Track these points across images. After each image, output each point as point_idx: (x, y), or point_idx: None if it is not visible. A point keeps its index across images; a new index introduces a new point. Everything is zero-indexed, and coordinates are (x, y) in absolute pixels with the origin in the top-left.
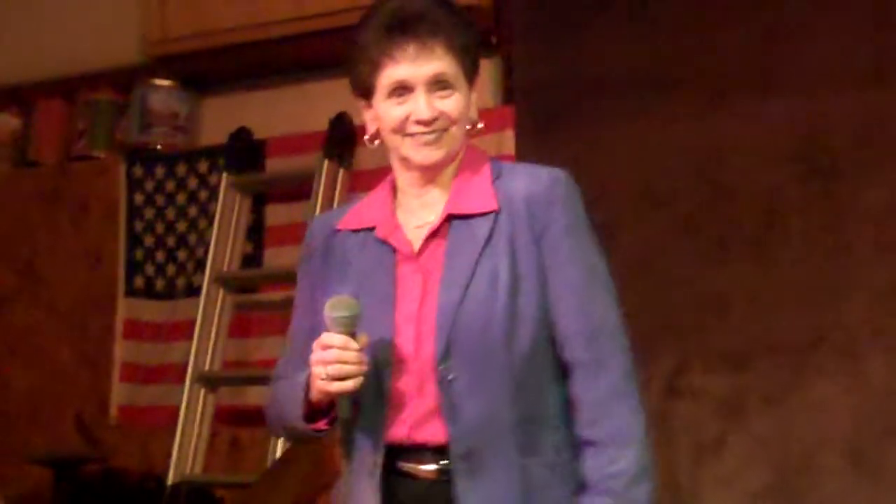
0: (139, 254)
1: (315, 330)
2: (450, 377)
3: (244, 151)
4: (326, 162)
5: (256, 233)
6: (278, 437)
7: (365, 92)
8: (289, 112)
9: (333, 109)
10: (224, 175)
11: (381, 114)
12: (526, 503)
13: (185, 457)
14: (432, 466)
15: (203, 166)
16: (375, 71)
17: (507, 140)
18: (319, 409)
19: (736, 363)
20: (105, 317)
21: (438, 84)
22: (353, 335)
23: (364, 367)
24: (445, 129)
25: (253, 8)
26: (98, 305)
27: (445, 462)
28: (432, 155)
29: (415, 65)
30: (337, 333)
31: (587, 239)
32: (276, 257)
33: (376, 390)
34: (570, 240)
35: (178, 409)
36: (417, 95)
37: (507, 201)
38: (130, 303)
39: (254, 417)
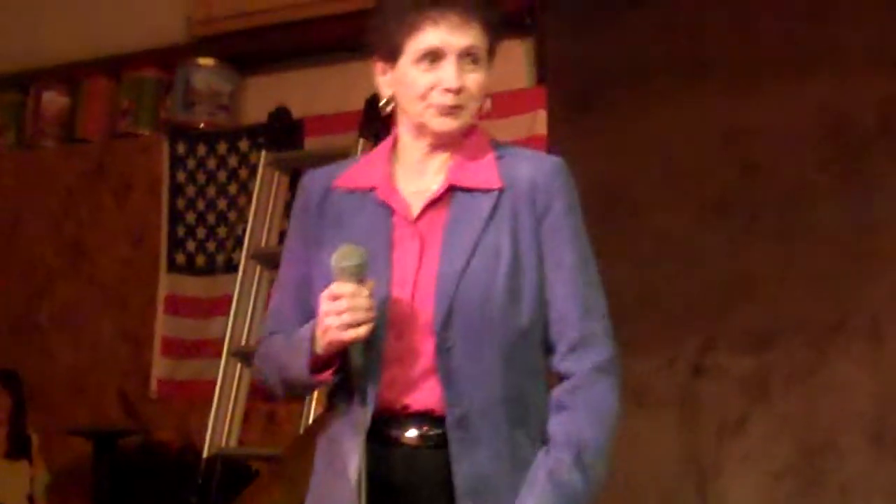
0: (181, 230)
1: (305, 282)
2: (448, 345)
3: (283, 130)
4: (362, 141)
5: None
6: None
7: (390, 53)
8: (327, 92)
9: (370, 90)
10: (263, 153)
11: (408, 79)
12: (513, 473)
13: (220, 430)
14: (415, 433)
15: (244, 145)
16: (410, 33)
17: (540, 120)
18: (324, 361)
19: (761, 343)
20: (146, 292)
21: (469, 56)
22: (360, 282)
23: (374, 313)
24: (465, 104)
25: None
26: (140, 281)
27: (427, 429)
28: (449, 123)
29: (454, 34)
30: (346, 282)
31: (581, 226)
32: None
33: (370, 349)
34: (568, 226)
35: (216, 383)
36: (447, 64)
37: (511, 182)
38: (172, 278)
39: None
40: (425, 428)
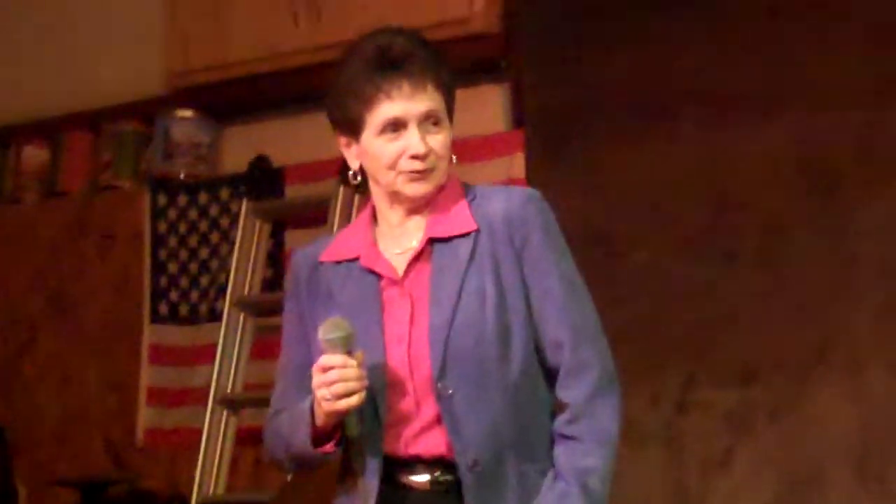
0: (163, 281)
1: (308, 361)
2: (449, 392)
3: (263, 179)
4: (342, 188)
5: (276, 257)
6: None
7: (351, 128)
8: (306, 140)
9: None
10: (244, 202)
11: (374, 150)
12: None
13: (208, 477)
14: (426, 477)
15: (224, 194)
16: (367, 107)
17: (518, 163)
18: (325, 433)
19: (743, 377)
20: (131, 342)
21: (430, 120)
22: (349, 353)
23: (365, 382)
24: (434, 166)
25: (270, 40)
26: (124, 331)
27: (439, 474)
28: (421, 188)
29: (410, 102)
30: (334, 354)
31: (563, 251)
32: None
33: (372, 413)
34: (549, 253)
35: (202, 431)
36: (410, 131)
37: (486, 221)
38: (155, 328)
39: None
40: (437, 473)
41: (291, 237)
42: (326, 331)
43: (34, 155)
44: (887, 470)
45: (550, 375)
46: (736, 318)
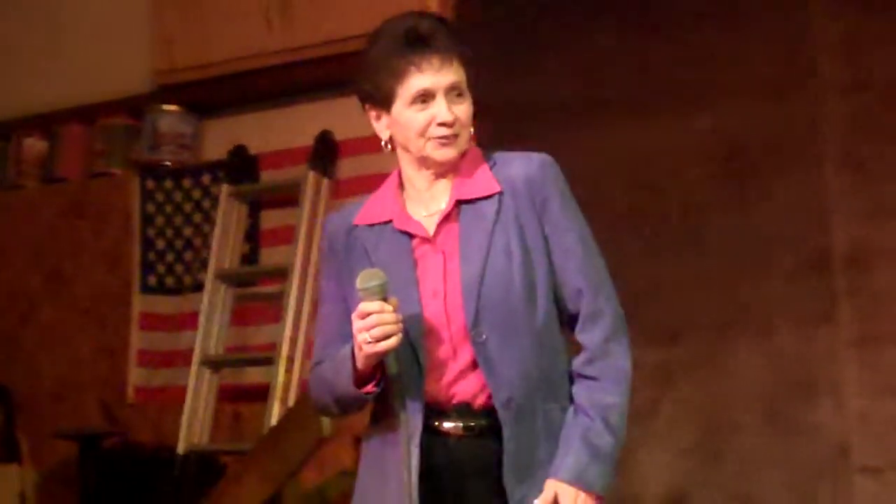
0: (151, 255)
1: (345, 316)
2: (483, 338)
3: (241, 165)
4: (312, 173)
5: (253, 235)
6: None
7: (383, 101)
8: (279, 131)
9: (318, 128)
10: (224, 186)
11: (404, 120)
12: (548, 442)
13: (192, 430)
14: (459, 424)
15: (206, 179)
16: (399, 80)
17: None
18: (366, 375)
19: (666, 338)
20: (122, 311)
21: (454, 91)
22: (384, 300)
23: (401, 325)
24: (459, 133)
25: (247, 42)
26: (116, 302)
27: (469, 419)
28: (449, 153)
29: (438, 74)
30: (371, 301)
31: (577, 211)
32: (270, 256)
33: (412, 361)
34: (566, 213)
35: (186, 388)
36: (438, 101)
37: (508, 184)
38: (144, 298)
39: (253, 394)
40: (468, 419)
41: (266, 217)
42: (363, 280)
43: (34, 145)
44: (793, 415)
45: (569, 321)
46: (661, 286)
